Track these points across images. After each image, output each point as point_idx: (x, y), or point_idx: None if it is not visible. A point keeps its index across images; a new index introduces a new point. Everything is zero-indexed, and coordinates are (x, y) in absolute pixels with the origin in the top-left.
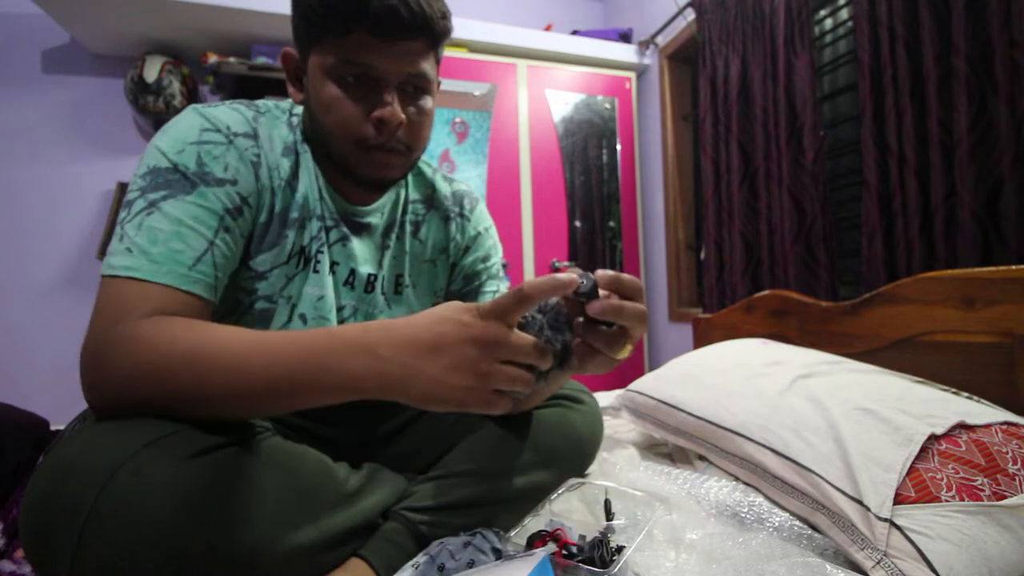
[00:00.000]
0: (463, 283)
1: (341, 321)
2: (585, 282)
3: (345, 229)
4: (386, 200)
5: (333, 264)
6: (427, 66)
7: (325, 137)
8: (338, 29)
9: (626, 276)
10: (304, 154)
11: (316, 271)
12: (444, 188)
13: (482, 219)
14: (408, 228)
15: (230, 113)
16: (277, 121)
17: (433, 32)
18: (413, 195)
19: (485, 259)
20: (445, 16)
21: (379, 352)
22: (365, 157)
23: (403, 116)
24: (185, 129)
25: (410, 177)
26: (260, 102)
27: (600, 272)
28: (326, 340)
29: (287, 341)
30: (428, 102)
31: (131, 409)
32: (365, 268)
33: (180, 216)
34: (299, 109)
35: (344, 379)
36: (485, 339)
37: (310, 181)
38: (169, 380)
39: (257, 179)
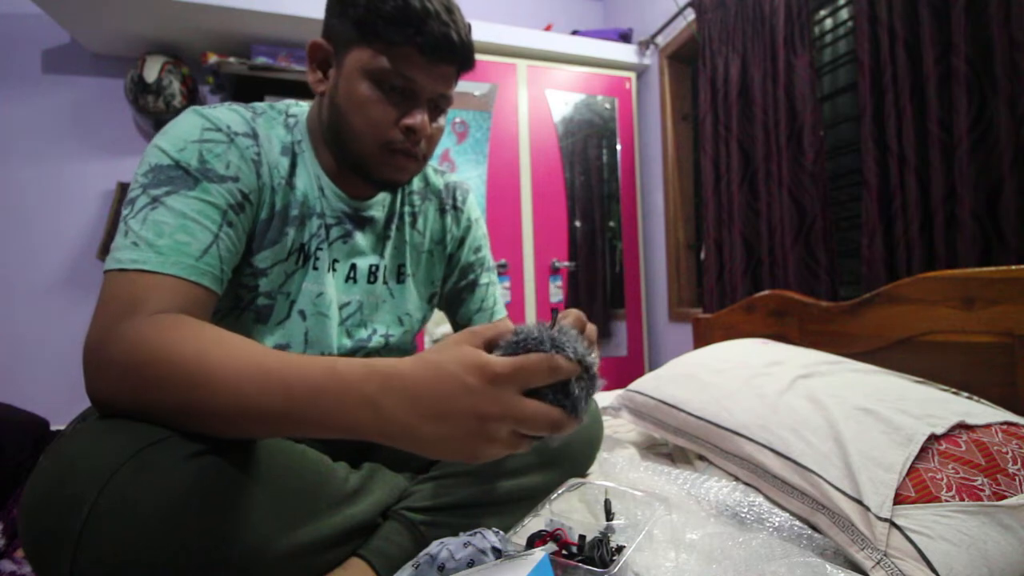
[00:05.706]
0: (459, 276)
1: (344, 319)
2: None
3: (349, 225)
4: (386, 193)
5: (334, 262)
6: (452, 91)
7: (346, 133)
8: (393, 39)
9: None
10: (302, 154)
11: (315, 268)
12: (437, 180)
13: (473, 209)
14: (407, 219)
15: (229, 114)
16: (274, 122)
17: (466, 63)
18: (409, 187)
19: (477, 249)
20: (474, 51)
21: (380, 406)
22: (388, 160)
23: (430, 129)
24: (187, 128)
25: None
26: (256, 104)
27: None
28: (327, 379)
29: (290, 371)
30: (443, 120)
31: (126, 408)
32: (368, 260)
33: (184, 210)
34: (295, 111)
35: (342, 427)
36: (491, 414)
37: (309, 179)
38: (165, 387)
39: (258, 177)
